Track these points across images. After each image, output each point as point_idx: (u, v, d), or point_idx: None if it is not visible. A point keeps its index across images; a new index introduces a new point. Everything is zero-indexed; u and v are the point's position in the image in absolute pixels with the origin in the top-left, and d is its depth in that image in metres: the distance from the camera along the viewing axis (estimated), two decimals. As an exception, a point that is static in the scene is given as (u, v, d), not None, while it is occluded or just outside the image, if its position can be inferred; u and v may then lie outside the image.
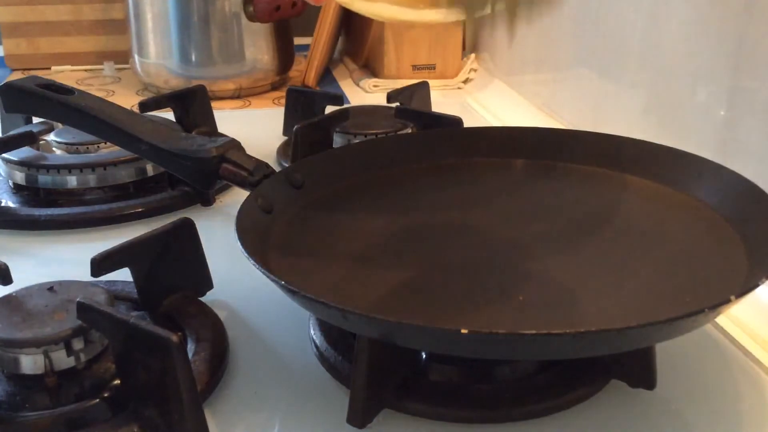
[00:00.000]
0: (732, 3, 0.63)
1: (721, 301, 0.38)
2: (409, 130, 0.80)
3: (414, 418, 0.44)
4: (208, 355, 0.47)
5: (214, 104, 0.88)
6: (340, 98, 0.85)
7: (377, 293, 0.48)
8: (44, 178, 0.71)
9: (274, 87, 1.16)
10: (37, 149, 0.76)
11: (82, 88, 0.68)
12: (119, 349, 0.42)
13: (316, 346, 0.49)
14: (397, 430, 0.43)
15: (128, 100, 1.08)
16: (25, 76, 0.69)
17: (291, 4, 1.08)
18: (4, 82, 0.70)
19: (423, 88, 0.93)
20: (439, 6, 0.47)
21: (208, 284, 0.55)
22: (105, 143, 0.75)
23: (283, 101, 0.92)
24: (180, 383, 0.39)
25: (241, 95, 1.12)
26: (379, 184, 0.62)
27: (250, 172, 0.59)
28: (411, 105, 0.88)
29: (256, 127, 0.95)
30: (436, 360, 0.46)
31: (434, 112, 0.83)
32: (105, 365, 0.45)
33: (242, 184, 0.59)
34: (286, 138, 0.88)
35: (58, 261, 0.64)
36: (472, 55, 1.22)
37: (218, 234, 0.63)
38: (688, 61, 0.71)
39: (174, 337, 0.39)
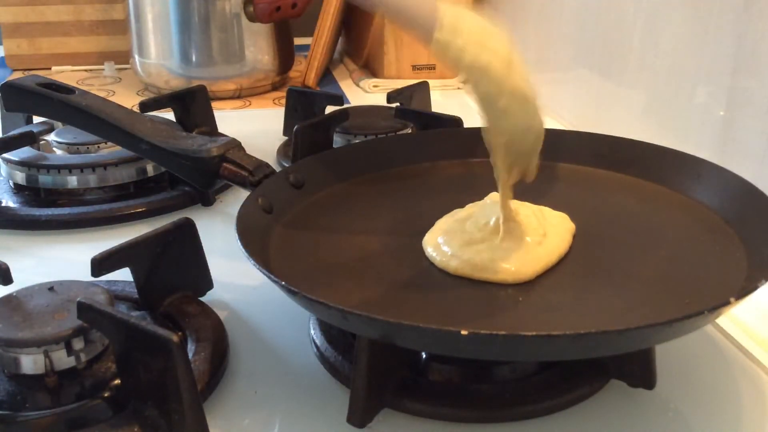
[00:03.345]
0: (732, 3, 0.63)
1: (720, 303, 0.39)
2: (409, 130, 0.80)
3: (414, 418, 0.44)
4: (208, 355, 0.47)
5: (214, 104, 0.88)
6: (340, 98, 0.85)
7: (377, 293, 0.48)
8: (45, 178, 0.71)
9: (275, 87, 1.16)
10: (38, 149, 0.76)
11: (82, 88, 0.68)
12: (119, 349, 0.42)
13: (316, 346, 0.49)
14: (397, 430, 0.43)
15: (129, 100, 1.08)
16: (25, 76, 0.69)
17: (291, 4, 1.08)
18: (5, 81, 0.71)
19: (423, 88, 0.93)
20: None
21: (208, 284, 0.55)
22: (105, 143, 0.76)
23: (283, 101, 0.92)
24: (180, 383, 0.39)
25: (241, 95, 1.12)
26: (379, 184, 0.63)
27: (251, 172, 0.59)
28: (411, 105, 0.88)
29: (256, 127, 0.95)
30: (436, 360, 0.46)
31: (434, 112, 0.83)
32: (105, 365, 0.45)
33: (243, 184, 0.59)
34: (286, 138, 0.88)
35: (58, 261, 0.64)
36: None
37: (218, 234, 0.64)
38: (687, 62, 0.71)
39: (174, 337, 0.39)
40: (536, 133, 0.50)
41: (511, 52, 0.48)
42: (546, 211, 0.54)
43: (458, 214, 0.54)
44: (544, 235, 0.51)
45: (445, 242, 0.51)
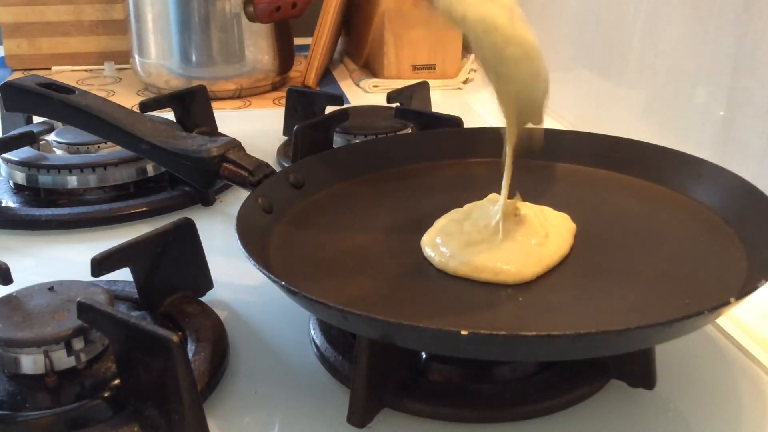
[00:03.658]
0: (732, 3, 0.63)
1: (720, 303, 0.39)
2: (409, 130, 0.80)
3: (414, 418, 0.44)
4: (208, 355, 0.47)
5: (214, 104, 0.88)
6: (340, 98, 0.85)
7: (377, 293, 0.48)
8: (45, 178, 0.71)
9: (275, 87, 1.16)
10: (38, 149, 0.76)
11: (82, 88, 0.68)
12: (120, 349, 0.42)
13: (316, 346, 0.49)
14: (397, 430, 0.43)
15: (129, 100, 1.08)
16: (25, 76, 0.69)
17: (291, 4, 1.08)
18: (5, 81, 0.71)
19: (423, 88, 0.93)
20: None
21: (208, 284, 0.55)
22: (105, 143, 0.76)
23: (283, 101, 0.92)
24: (180, 383, 0.39)
25: (241, 95, 1.12)
26: (379, 184, 0.63)
27: (251, 172, 0.59)
28: (411, 105, 0.88)
29: (256, 127, 0.95)
30: (436, 360, 0.46)
31: (434, 112, 0.83)
32: (105, 365, 0.45)
33: (243, 184, 0.59)
34: (286, 138, 0.88)
35: (58, 261, 0.64)
36: (472, 56, 1.22)
37: (218, 234, 0.64)
38: (687, 61, 0.71)
39: (174, 337, 0.39)
40: (544, 77, 0.50)
41: (512, 3, 0.48)
42: (547, 211, 0.54)
43: (456, 214, 0.54)
44: (546, 236, 0.51)
45: (443, 243, 0.51)
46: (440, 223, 0.54)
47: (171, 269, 0.52)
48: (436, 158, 0.66)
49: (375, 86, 1.15)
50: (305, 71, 1.14)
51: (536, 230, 0.51)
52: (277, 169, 0.63)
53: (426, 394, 0.44)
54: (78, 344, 0.44)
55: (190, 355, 0.47)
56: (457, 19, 0.48)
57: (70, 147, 0.76)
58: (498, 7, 0.48)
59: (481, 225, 0.51)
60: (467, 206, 0.55)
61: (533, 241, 0.50)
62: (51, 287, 0.47)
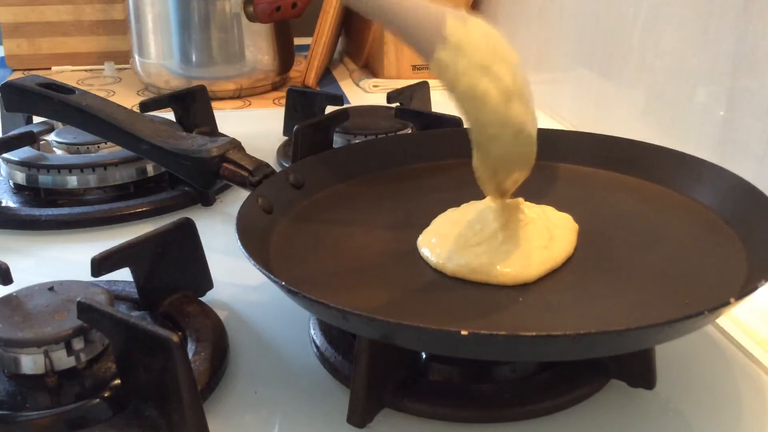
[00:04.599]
0: (732, 3, 0.64)
1: (720, 303, 0.39)
2: (409, 130, 0.80)
3: (414, 418, 0.44)
4: (208, 355, 0.47)
5: (214, 104, 0.88)
6: (340, 98, 0.85)
7: (378, 293, 0.48)
8: (45, 178, 0.72)
9: (275, 87, 1.17)
10: (38, 149, 0.76)
11: (82, 88, 0.68)
12: (120, 349, 0.42)
13: (316, 346, 0.49)
14: (397, 430, 0.43)
15: (129, 100, 1.08)
16: (25, 76, 0.69)
17: (291, 4, 1.08)
18: (5, 81, 0.71)
19: (423, 88, 0.93)
20: None
21: (208, 284, 0.55)
22: (105, 143, 0.76)
23: (283, 101, 0.92)
24: (180, 383, 0.39)
25: (241, 95, 1.12)
26: (379, 184, 0.62)
27: (251, 172, 0.59)
28: (411, 105, 0.88)
29: (256, 127, 0.95)
30: (436, 360, 0.46)
31: (434, 112, 0.83)
32: (105, 365, 0.45)
33: (243, 184, 0.59)
34: (286, 138, 0.88)
35: (58, 261, 0.64)
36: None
37: (218, 234, 0.64)
38: (687, 62, 0.71)
39: (174, 337, 0.39)
40: (524, 161, 0.49)
41: (515, 80, 0.46)
42: (549, 211, 0.54)
43: (452, 214, 0.54)
44: (550, 239, 0.50)
45: (439, 244, 0.51)
46: (437, 223, 0.54)
47: (171, 269, 0.52)
48: (436, 158, 0.66)
49: (375, 86, 1.15)
50: (305, 71, 1.14)
51: (540, 232, 0.51)
52: (277, 169, 0.63)
53: (426, 394, 0.44)
54: (78, 344, 0.44)
55: (190, 355, 0.47)
56: (447, 87, 0.47)
57: (70, 147, 0.76)
58: (491, 82, 0.45)
59: (477, 228, 0.51)
60: (464, 206, 0.55)
61: (537, 243, 0.50)
62: (51, 287, 0.47)
